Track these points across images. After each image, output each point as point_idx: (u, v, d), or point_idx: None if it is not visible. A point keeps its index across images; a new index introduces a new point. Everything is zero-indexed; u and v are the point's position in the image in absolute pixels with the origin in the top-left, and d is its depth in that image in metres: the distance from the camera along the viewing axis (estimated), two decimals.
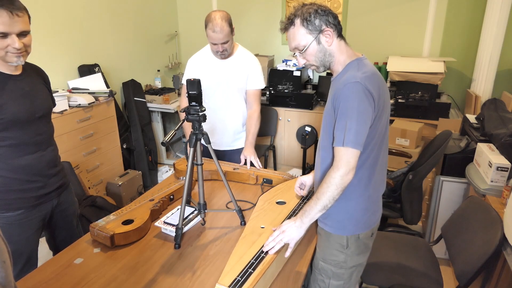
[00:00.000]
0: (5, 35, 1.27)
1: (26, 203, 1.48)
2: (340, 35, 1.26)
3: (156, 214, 1.64)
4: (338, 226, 1.32)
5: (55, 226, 1.67)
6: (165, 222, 1.54)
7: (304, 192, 1.63)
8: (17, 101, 1.39)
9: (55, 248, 1.71)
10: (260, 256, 1.24)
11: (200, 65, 2.13)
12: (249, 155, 2.06)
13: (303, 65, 1.30)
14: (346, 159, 1.16)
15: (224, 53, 2.02)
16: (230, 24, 1.95)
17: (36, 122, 1.47)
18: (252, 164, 2.06)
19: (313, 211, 1.24)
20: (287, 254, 1.31)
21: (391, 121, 3.08)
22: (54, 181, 1.57)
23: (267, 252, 1.26)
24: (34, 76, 1.50)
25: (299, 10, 1.23)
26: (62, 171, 1.63)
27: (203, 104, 1.44)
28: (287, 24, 1.25)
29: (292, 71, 3.46)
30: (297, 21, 1.22)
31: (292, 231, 1.27)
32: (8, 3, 1.25)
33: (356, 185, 1.26)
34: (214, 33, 1.91)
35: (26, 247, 1.53)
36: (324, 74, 3.70)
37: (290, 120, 3.60)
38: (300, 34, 1.23)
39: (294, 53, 1.29)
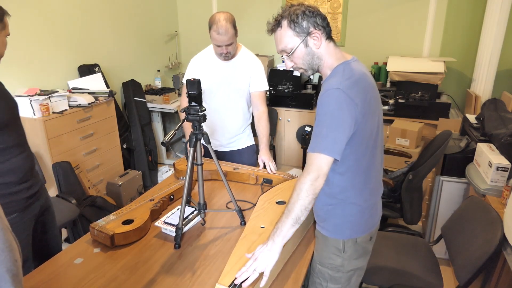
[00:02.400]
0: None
1: (18, 206, 1.46)
2: (329, 37, 1.21)
3: (156, 214, 1.64)
4: (335, 230, 1.30)
5: (47, 227, 1.65)
6: (165, 222, 1.54)
7: None
8: None
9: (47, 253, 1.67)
10: None
11: (202, 65, 2.13)
12: (267, 159, 2.06)
13: (291, 68, 1.27)
14: (318, 164, 1.11)
15: (228, 55, 2.01)
16: (234, 26, 1.94)
17: (16, 123, 1.46)
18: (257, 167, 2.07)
19: (285, 227, 1.15)
20: (262, 284, 1.16)
21: (391, 121, 3.08)
22: (37, 180, 1.56)
23: (241, 284, 1.11)
24: None
25: (286, 11, 1.18)
26: (37, 172, 1.62)
27: (204, 104, 1.44)
28: (274, 26, 1.21)
29: (292, 71, 3.46)
30: (284, 23, 1.18)
31: (265, 257, 1.15)
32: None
33: (351, 190, 1.25)
34: (219, 35, 1.90)
35: (23, 250, 1.51)
36: None
37: (290, 120, 3.60)
38: (287, 36, 1.18)
39: (282, 56, 1.25)
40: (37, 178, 1.57)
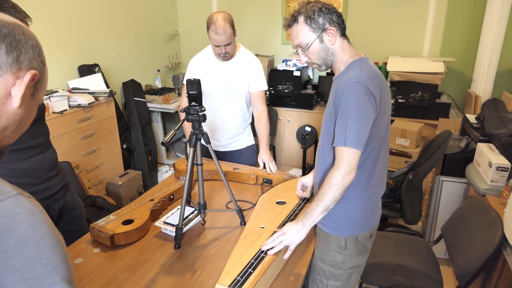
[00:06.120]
0: None
1: None
2: (343, 34, 1.25)
3: (156, 214, 1.64)
4: (337, 227, 1.32)
5: (68, 228, 1.67)
6: (165, 222, 1.54)
7: (307, 194, 1.62)
8: None
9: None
10: (260, 256, 1.24)
11: (201, 66, 2.13)
12: (267, 159, 2.06)
13: (305, 63, 1.30)
14: (348, 158, 1.16)
15: (227, 55, 2.01)
16: (233, 26, 1.94)
17: (33, 125, 1.46)
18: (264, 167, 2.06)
19: (315, 213, 1.23)
20: (286, 256, 1.30)
21: (391, 121, 3.08)
22: (56, 182, 1.56)
23: (266, 252, 1.26)
24: None
25: (303, 8, 1.22)
26: (62, 172, 1.63)
27: (204, 105, 1.44)
28: (291, 21, 1.25)
29: (292, 71, 3.46)
30: (301, 19, 1.22)
31: (293, 234, 1.26)
32: (23, 14, 1.27)
33: (355, 186, 1.26)
34: (217, 35, 1.90)
35: None
36: (324, 74, 3.70)
37: (290, 120, 3.60)
38: (303, 31, 1.22)
39: (297, 51, 1.29)
40: (57, 180, 1.56)
